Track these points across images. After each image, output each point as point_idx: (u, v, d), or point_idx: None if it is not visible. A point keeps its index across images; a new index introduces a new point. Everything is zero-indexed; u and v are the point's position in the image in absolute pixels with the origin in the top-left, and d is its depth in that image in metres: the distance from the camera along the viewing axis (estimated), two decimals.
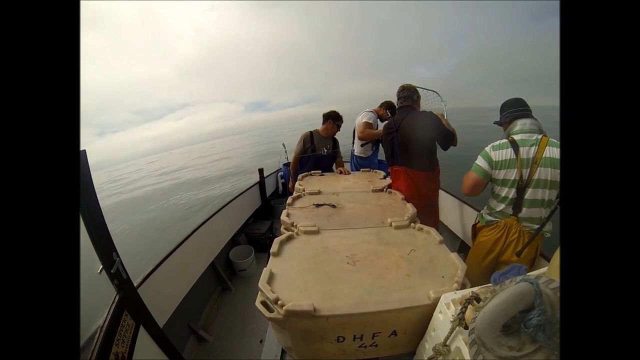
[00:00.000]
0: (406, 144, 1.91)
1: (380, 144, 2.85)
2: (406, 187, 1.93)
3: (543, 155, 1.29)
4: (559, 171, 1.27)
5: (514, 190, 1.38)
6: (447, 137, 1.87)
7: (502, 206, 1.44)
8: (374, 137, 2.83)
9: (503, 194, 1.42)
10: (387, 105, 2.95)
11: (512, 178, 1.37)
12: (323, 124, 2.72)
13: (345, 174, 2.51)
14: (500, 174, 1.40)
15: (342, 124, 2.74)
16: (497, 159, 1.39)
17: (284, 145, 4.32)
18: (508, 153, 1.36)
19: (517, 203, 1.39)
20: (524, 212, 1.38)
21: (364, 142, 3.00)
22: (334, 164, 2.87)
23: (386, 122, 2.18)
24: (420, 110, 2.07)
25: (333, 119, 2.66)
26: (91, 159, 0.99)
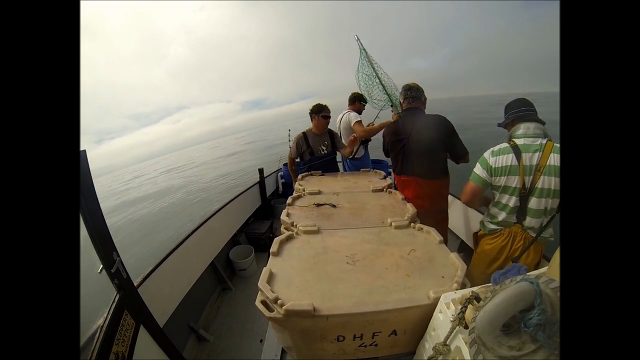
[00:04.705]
0: (420, 152, 1.77)
1: (371, 144, 2.78)
2: (417, 197, 1.83)
3: (547, 163, 1.23)
4: None
5: (514, 198, 1.32)
6: (461, 148, 1.75)
7: (503, 215, 1.38)
8: (376, 132, 2.67)
9: (503, 202, 1.36)
10: (359, 97, 2.86)
11: (514, 185, 1.30)
12: (311, 122, 2.59)
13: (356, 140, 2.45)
14: (500, 181, 1.33)
15: (330, 114, 2.58)
16: (496, 165, 1.33)
17: (289, 132, 4.07)
18: (509, 159, 1.29)
19: (521, 211, 1.33)
20: (528, 220, 1.32)
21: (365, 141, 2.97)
22: (341, 159, 2.70)
23: (394, 126, 2.00)
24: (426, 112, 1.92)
25: (316, 112, 2.51)
26: (90, 165, 0.99)
